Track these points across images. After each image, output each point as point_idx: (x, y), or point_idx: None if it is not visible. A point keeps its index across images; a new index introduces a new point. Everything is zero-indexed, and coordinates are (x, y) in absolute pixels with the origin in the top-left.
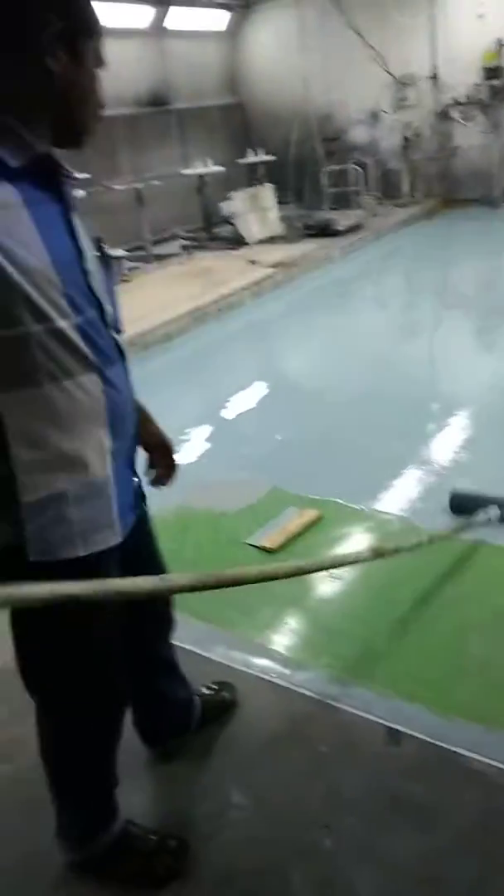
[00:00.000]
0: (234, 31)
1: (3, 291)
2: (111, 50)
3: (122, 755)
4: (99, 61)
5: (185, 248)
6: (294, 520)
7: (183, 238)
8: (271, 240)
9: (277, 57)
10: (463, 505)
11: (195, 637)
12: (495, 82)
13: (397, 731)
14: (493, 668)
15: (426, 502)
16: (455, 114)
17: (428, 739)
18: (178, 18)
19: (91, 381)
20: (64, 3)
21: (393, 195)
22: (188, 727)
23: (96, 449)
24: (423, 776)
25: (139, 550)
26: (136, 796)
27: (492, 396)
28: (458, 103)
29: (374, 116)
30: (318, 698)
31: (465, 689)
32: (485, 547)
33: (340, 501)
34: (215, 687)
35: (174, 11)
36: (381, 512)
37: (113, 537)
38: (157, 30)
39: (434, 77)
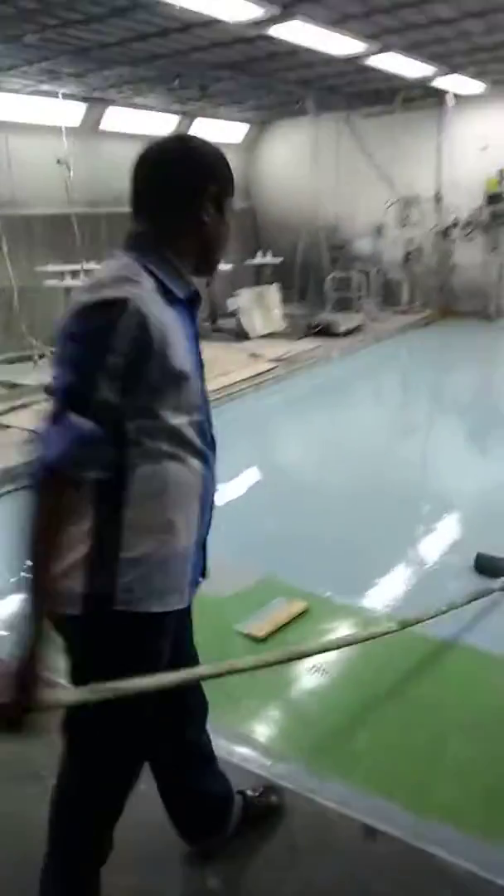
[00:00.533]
0: (250, 144)
1: (161, 388)
2: (135, 153)
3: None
4: (231, 214)
5: None
6: (282, 610)
7: None
8: (273, 336)
9: (291, 169)
10: (486, 567)
11: None
12: (496, 207)
13: (373, 828)
14: (470, 771)
15: (410, 601)
16: (455, 233)
17: (403, 839)
18: (200, 131)
19: (197, 465)
20: (219, 173)
21: (393, 303)
22: (225, 824)
23: (187, 522)
24: (396, 875)
25: (184, 619)
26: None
27: (482, 500)
28: (458, 224)
29: (379, 230)
30: (297, 791)
31: (442, 791)
32: (465, 649)
33: (328, 595)
34: (260, 789)
35: (198, 122)
36: (366, 608)
37: (181, 601)
38: None
39: (438, 198)
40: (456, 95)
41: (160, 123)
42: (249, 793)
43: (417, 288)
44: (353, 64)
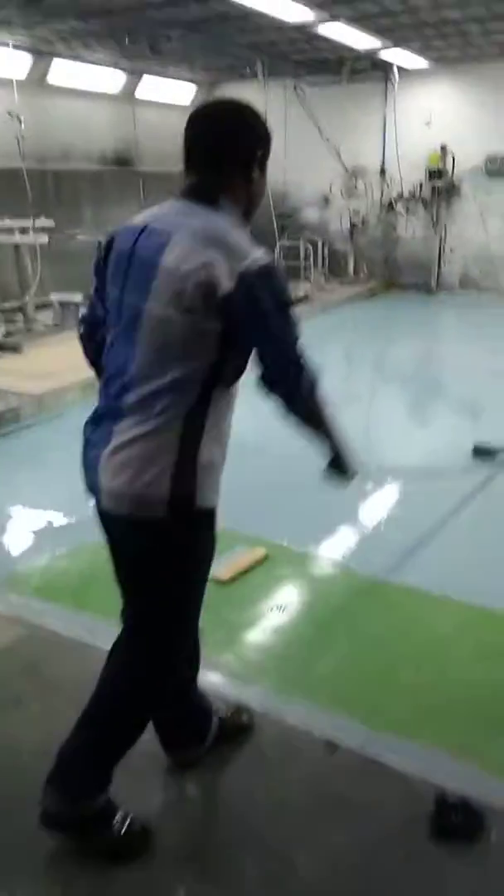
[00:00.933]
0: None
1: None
2: (85, 109)
3: None
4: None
5: None
6: (244, 556)
7: None
8: None
9: None
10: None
11: None
12: (437, 183)
13: (334, 742)
14: (416, 692)
15: (360, 550)
16: (399, 206)
17: (359, 750)
18: (148, 89)
19: (237, 387)
20: (267, 139)
21: (339, 273)
22: (205, 739)
23: (228, 433)
24: (354, 781)
25: None
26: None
27: (421, 461)
28: (402, 197)
29: (326, 200)
30: (265, 711)
31: (393, 709)
32: (407, 590)
33: (285, 544)
34: (232, 709)
35: (146, 80)
36: (320, 556)
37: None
38: (129, 96)
39: (382, 171)
40: (401, 69)
41: (107, 80)
42: (222, 712)
43: (363, 259)
44: (302, 32)
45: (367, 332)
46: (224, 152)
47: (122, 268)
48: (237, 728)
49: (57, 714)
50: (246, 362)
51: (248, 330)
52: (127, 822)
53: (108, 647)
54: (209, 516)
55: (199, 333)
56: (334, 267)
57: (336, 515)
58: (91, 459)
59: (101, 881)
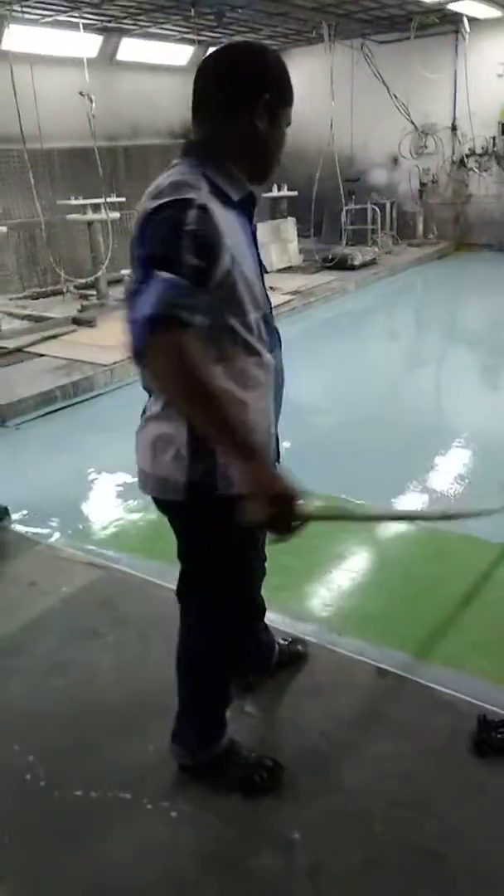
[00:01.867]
0: None
1: (234, 288)
2: (152, 84)
3: None
4: (288, 123)
5: None
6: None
7: None
8: (290, 269)
9: (306, 99)
10: None
11: None
12: None
13: (384, 669)
14: (465, 629)
15: (418, 503)
16: (471, 163)
17: (409, 676)
18: None
19: (268, 357)
20: (273, 80)
21: (408, 235)
22: (269, 667)
23: (262, 410)
24: (402, 702)
25: None
26: None
27: (490, 431)
28: (474, 154)
29: (394, 161)
30: (320, 643)
31: (441, 644)
32: (467, 538)
33: (345, 496)
34: (289, 639)
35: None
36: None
37: None
38: (195, 68)
39: (454, 128)
40: (471, 20)
41: (175, 53)
42: (281, 641)
43: (432, 220)
44: None
45: (436, 294)
46: (214, 99)
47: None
48: (294, 656)
49: (129, 644)
50: (223, 318)
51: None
52: (252, 758)
53: (175, 585)
54: (234, 503)
55: None
56: (403, 229)
57: (395, 470)
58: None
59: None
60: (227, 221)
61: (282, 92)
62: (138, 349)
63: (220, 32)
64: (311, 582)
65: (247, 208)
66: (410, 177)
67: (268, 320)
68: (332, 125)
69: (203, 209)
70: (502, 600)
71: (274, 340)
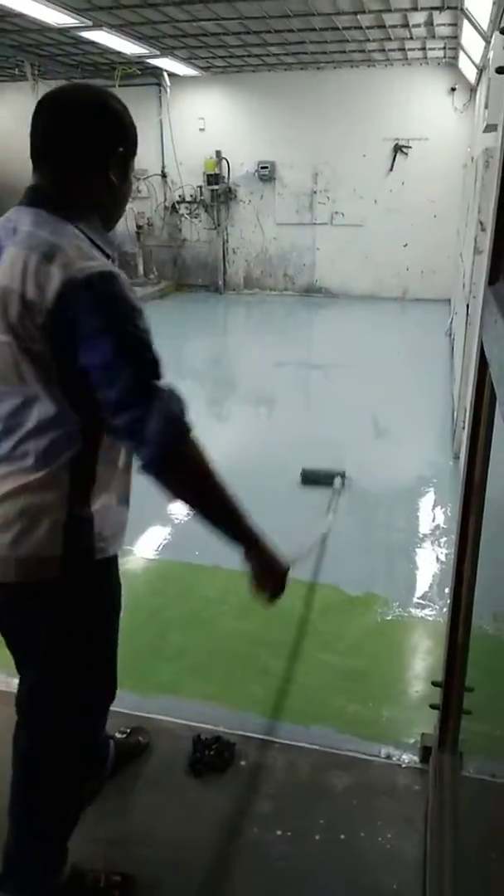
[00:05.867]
0: None
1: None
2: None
3: None
4: (132, 174)
5: None
6: None
7: None
8: None
9: (15, 135)
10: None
11: None
12: (215, 187)
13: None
14: (185, 652)
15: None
16: (182, 210)
17: (130, 712)
18: None
19: None
20: (125, 134)
21: (129, 275)
22: (104, 768)
23: (124, 477)
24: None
25: None
26: None
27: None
28: (184, 201)
29: None
30: None
31: (163, 670)
32: (176, 564)
33: None
34: (127, 731)
35: None
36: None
37: (120, 546)
38: None
39: (164, 175)
40: (172, 76)
41: None
42: (118, 735)
43: (152, 261)
44: (68, 35)
45: (161, 330)
46: (75, 148)
47: None
48: (134, 750)
49: None
50: None
51: (75, 356)
52: (102, 879)
53: None
54: (112, 563)
55: (36, 362)
56: (125, 268)
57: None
58: None
59: None
60: None
61: (134, 144)
62: (159, 466)
63: None
64: None
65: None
66: (126, 219)
67: None
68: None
69: (126, 281)
70: (217, 618)
71: None
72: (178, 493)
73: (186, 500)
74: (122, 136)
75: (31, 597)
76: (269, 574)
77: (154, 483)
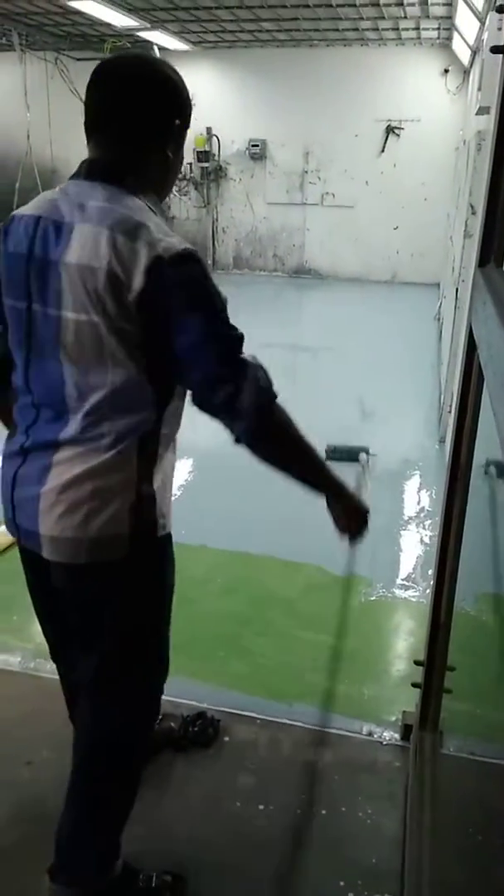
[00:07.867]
0: None
1: None
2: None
3: None
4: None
5: None
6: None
7: None
8: None
9: (1, 106)
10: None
11: None
12: (205, 164)
13: None
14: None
15: None
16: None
17: None
18: None
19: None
20: (182, 107)
21: None
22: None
23: (173, 455)
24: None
25: None
26: None
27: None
28: None
29: None
30: (23, 671)
31: None
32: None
33: None
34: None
35: None
36: None
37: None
38: None
39: None
40: (162, 49)
41: None
42: None
43: None
44: (56, 5)
45: None
46: (136, 120)
47: (19, 274)
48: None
49: None
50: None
51: (165, 333)
52: (154, 878)
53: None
54: (169, 539)
55: (126, 340)
56: None
57: None
58: (20, 500)
59: None
60: None
61: (188, 118)
62: (257, 436)
63: None
64: (11, 609)
65: None
66: None
67: None
68: (28, 136)
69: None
70: (200, 599)
71: None
72: (274, 458)
73: (280, 463)
74: (180, 109)
75: (99, 578)
76: (354, 516)
77: (249, 452)
